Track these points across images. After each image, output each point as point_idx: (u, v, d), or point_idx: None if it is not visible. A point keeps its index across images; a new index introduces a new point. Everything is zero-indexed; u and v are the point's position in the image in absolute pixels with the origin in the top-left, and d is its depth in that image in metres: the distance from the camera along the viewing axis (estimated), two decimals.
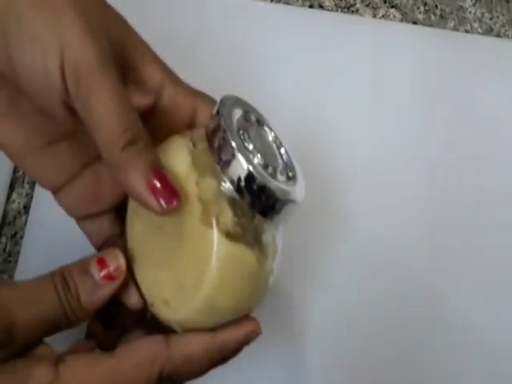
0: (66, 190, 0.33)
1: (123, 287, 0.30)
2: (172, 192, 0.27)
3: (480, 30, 0.50)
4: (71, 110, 0.27)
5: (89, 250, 0.41)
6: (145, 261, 0.31)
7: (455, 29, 0.50)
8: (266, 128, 0.31)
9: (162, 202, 0.27)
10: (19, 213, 0.44)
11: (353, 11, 0.50)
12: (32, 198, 0.44)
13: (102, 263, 0.29)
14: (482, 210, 0.44)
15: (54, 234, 0.42)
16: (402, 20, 0.50)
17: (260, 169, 0.27)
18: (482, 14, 0.50)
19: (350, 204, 0.43)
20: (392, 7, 0.50)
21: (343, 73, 0.47)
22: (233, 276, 0.28)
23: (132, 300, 0.30)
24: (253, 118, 0.30)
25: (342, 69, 0.47)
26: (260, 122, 0.31)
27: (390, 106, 0.46)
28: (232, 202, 0.27)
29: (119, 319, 0.32)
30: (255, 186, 0.27)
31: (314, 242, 0.43)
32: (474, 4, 0.50)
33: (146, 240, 0.31)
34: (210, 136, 0.28)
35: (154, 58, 0.31)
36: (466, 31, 0.50)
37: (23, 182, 0.45)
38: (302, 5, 0.50)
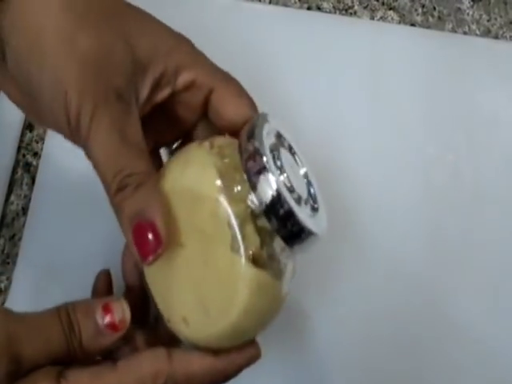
0: None
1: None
2: (156, 242, 0.27)
3: (478, 32, 0.50)
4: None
5: (87, 252, 0.42)
6: (163, 275, 0.30)
7: (453, 31, 0.50)
8: (295, 154, 0.31)
9: (146, 254, 0.27)
10: (18, 214, 0.44)
11: (351, 13, 0.50)
12: (30, 199, 0.44)
13: (107, 310, 0.29)
14: (479, 209, 0.44)
15: (52, 236, 0.42)
16: (400, 22, 0.50)
17: (289, 195, 0.27)
18: (480, 15, 0.50)
19: (348, 204, 0.43)
20: (390, 9, 0.50)
21: (341, 75, 0.47)
22: (259, 303, 0.28)
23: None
24: (285, 142, 0.30)
25: (340, 71, 0.47)
26: (291, 148, 0.31)
27: (388, 107, 0.46)
28: (259, 229, 0.27)
29: None
30: (282, 211, 0.27)
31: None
32: (472, 6, 0.50)
33: (166, 255, 0.30)
34: (244, 157, 0.28)
35: (172, 43, 0.31)
36: (464, 33, 0.50)
37: (22, 184, 0.45)
38: (300, 7, 0.50)
